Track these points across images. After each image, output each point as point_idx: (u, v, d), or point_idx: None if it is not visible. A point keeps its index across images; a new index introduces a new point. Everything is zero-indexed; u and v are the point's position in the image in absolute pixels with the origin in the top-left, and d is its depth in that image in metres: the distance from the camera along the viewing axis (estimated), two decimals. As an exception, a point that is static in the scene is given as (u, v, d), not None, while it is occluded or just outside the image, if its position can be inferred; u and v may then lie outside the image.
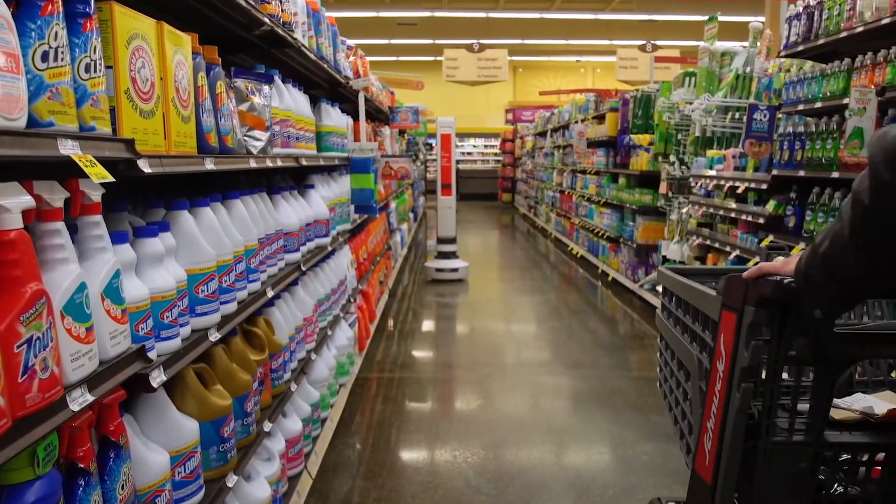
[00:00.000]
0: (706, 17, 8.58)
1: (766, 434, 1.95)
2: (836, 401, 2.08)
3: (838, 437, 1.94)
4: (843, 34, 5.18)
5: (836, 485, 1.99)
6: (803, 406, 1.95)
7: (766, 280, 1.86)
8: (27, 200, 1.61)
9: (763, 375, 1.95)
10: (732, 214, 6.87)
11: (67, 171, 1.79)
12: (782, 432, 1.95)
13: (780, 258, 1.88)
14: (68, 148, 1.73)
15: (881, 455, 1.93)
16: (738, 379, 1.95)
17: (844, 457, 1.97)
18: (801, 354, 1.86)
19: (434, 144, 20.91)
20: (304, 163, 4.30)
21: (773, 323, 1.88)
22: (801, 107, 5.79)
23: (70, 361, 1.74)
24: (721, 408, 2.04)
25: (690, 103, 8.12)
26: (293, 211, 4.19)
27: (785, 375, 1.97)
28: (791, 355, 1.88)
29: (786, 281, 1.82)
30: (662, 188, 9.07)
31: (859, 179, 1.49)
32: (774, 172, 5.98)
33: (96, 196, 1.96)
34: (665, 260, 9.03)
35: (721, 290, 2.06)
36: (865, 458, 1.96)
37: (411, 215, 16.35)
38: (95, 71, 1.90)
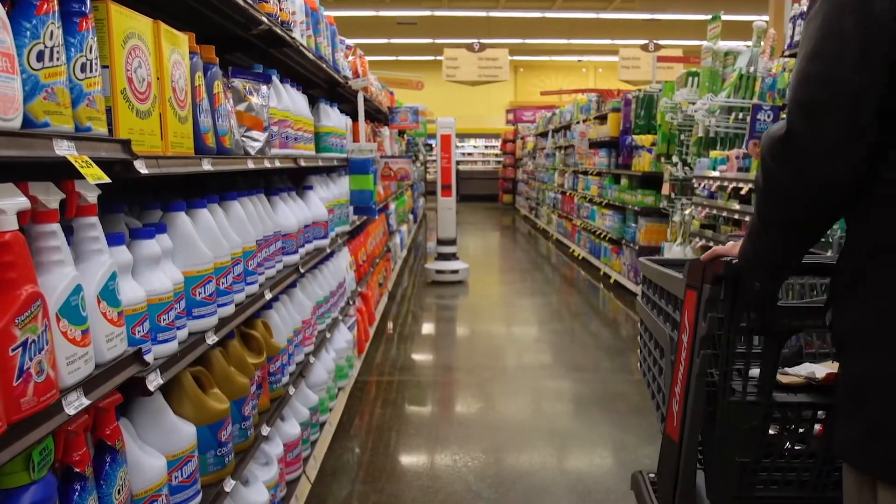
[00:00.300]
0: (709, 17, 8.58)
1: (723, 395, 2.28)
2: (786, 369, 2.43)
3: (785, 397, 2.28)
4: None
5: (786, 442, 2.34)
6: (755, 371, 2.28)
7: (719, 261, 2.18)
8: (22, 202, 1.61)
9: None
10: (736, 216, 6.86)
11: (63, 172, 1.79)
12: (737, 394, 2.27)
13: (731, 242, 2.23)
14: (64, 149, 1.73)
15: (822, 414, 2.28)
16: (698, 347, 2.30)
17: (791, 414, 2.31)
18: (750, 325, 2.20)
19: (434, 145, 20.96)
20: (302, 164, 4.30)
21: (726, 298, 2.21)
22: (805, 107, 5.78)
23: (66, 364, 1.74)
24: (685, 374, 2.41)
25: (693, 103, 8.12)
26: (291, 212, 4.19)
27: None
28: (742, 326, 2.21)
29: (733, 261, 2.14)
30: (665, 189, 9.06)
31: (758, 170, 1.78)
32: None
33: (92, 197, 1.96)
34: (668, 262, 9.00)
35: (685, 273, 2.42)
36: (809, 415, 2.29)
37: (411, 217, 16.34)
38: (91, 71, 1.90)
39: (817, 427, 2.30)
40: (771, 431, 2.35)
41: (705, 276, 2.28)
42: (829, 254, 3.30)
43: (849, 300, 1.74)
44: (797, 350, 2.75)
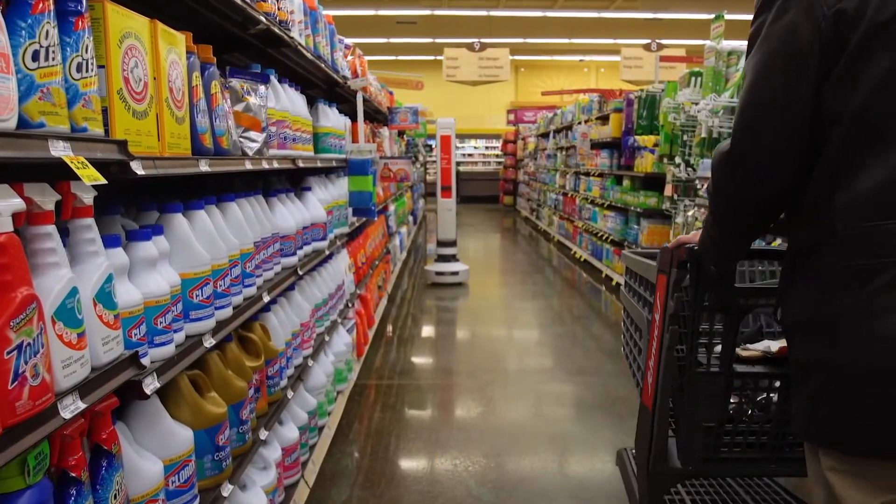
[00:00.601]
0: (712, 16, 8.58)
1: (690, 366, 2.65)
2: (746, 345, 2.84)
3: (744, 368, 2.68)
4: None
5: (747, 409, 2.75)
6: (720, 348, 2.66)
7: (683, 248, 2.56)
8: (17, 203, 1.61)
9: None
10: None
11: (59, 174, 1.79)
12: (702, 365, 2.64)
13: (695, 231, 2.59)
14: (59, 149, 1.73)
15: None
16: (667, 324, 2.67)
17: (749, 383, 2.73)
18: (711, 304, 2.61)
19: (434, 146, 20.95)
20: (300, 164, 4.31)
21: (691, 280, 2.59)
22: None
23: (61, 368, 1.74)
24: (658, 349, 2.79)
25: (696, 104, 8.12)
26: (290, 214, 4.19)
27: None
28: (705, 305, 2.61)
29: (694, 248, 2.50)
30: (668, 190, 9.05)
31: (710, 179, 2.14)
32: (782, 174, 5.97)
33: (88, 199, 1.96)
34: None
35: (657, 260, 2.78)
36: (766, 384, 2.72)
37: (411, 218, 16.35)
38: (87, 70, 1.91)
39: (774, 397, 2.65)
40: (733, 401, 2.74)
41: (672, 262, 2.66)
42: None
43: (789, 295, 2.03)
44: (757, 329, 3.13)
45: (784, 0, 1.88)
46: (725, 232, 2.23)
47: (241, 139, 3.31)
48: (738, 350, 2.75)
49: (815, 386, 1.89)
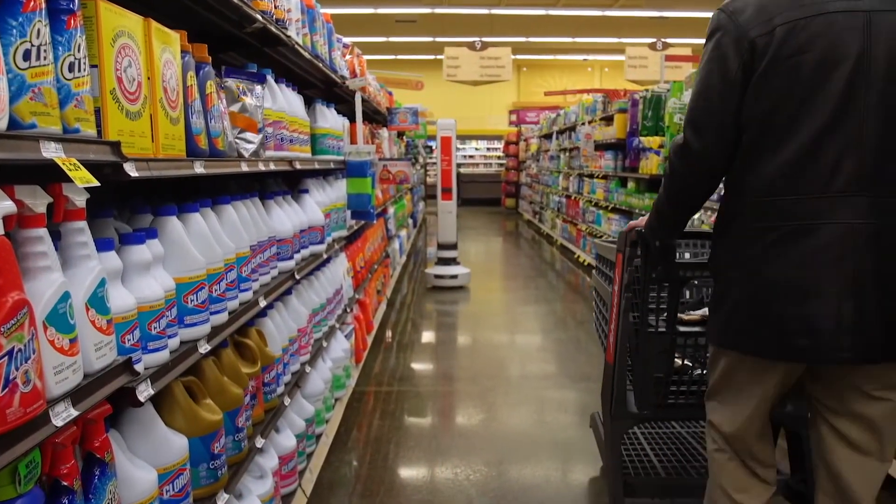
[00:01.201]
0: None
1: (642, 328, 3.52)
2: (689, 311, 3.66)
3: (684, 328, 3.51)
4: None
5: (687, 364, 3.62)
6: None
7: (635, 230, 3.49)
8: (8, 206, 1.61)
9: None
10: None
11: (50, 175, 1.79)
12: (651, 326, 3.48)
13: (641, 217, 3.42)
14: (51, 151, 1.73)
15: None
16: (623, 292, 3.63)
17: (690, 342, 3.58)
18: (658, 276, 3.43)
19: (434, 147, 20.87)
20: (298, 166, 4.31)
21: (641, 257, 3.45)
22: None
23: (53, 374, 1.75)
24: (617, 314, 3.68)
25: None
26: (287, 217, 4.19)
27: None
28: (653, 277, 3.43)
29: (641, 230, 3.38)
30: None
31: (666, 164, 3.00)
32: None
33: (81, 201, 1.96)
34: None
35: (616, 242, 3.70)
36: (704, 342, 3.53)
37: (410, 221, 16.35)
38: (80, 70, 1.91)
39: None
40: (678, 361, 3.60)
41: (626, 242, 3.59)
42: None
43: (716, 247, 2.93)
44: (699, 300, 4.02)
45: (721, 35, 2.69)
46: (671, 209, 3.11)
47: (236, 140, 3.31)
48: (681, 315, 3.57)
49: (725, 309, 2.82)
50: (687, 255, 3.99)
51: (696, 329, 3.49)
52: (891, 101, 2.51)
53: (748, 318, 2.73)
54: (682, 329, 3.50)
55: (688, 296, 4.04)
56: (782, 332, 2.63)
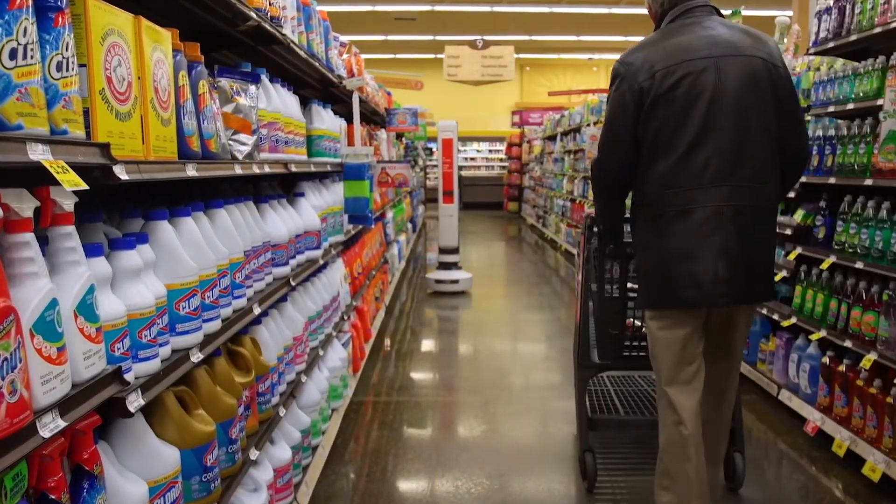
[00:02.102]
0: (729, 12, 8.59)
1: (600, 294, 4.57)
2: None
3: (631, 294, 4.50)
4: (878, 30, 5.17)
5: (637, 323, 4.65)
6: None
7: (589, 216, 4.64)
8: (-6, 210, 1.61)
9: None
10: (758, 224, 6.88)
11: (37, 178, 1.79)
12: (607, 293, 4.55)
13: None
14: (38, 153, 1.73)
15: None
16: (583, 266, 4.82)
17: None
18: (609, 253, 4.52)
19: (434, 149, 20.83)
20: (293, 169, 4.31)
21: (597, 237, 4.54)
22: (831, 108, 5.79)
23: (40, 384, 1.74)
24: (581, 285, 4.93)
25: (712, 104, 8.12)
26: (282, 221, 4.19)
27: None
28: (606, 254, 4.50)
29: (592, 216, 4.56)
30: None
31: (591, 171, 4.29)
32: (803, 179, 5.98)
33: (69, 205, 1.96)
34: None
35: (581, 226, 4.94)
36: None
37: (410, 226, 16.36)
38: (68, 70, 1.91)
39: None
40: (630, 321, 4.69)
41: (585, 226, 4.88)
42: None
43: (633, 229, 3.99)
44: None
45: (619, 81, 3.77)
46: (602, 204, 4.20)
47: (230, 142, 3.31)
48: (630, 284, 4.53)
49: (644, 278, 3.91)
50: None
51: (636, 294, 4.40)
52: (738, 121, 3.61)
53: (658, 283, 3.79)
54: (630, 294, 4.54)
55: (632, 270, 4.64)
56: (677, 287, 3.69)
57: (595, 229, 4.65)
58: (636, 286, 4.22)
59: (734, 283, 3.61)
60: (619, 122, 3.75)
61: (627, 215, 4.13)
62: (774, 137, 3.71)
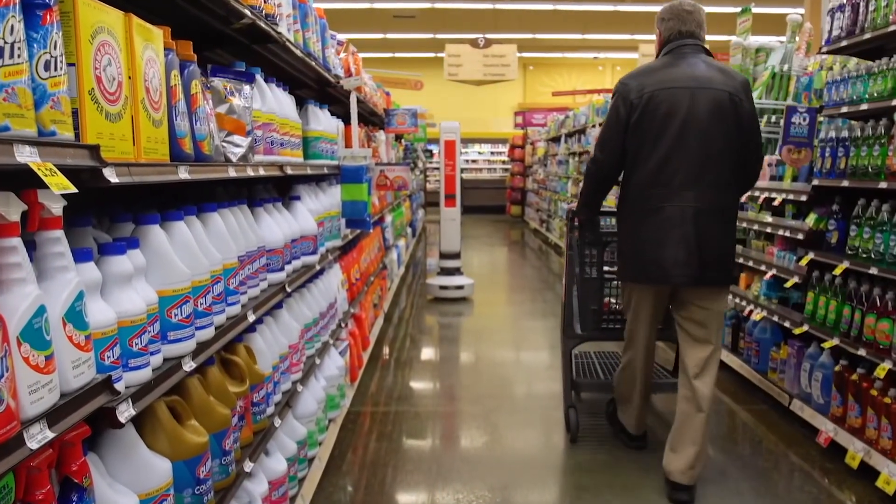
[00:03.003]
0: (739, 9, 8.60)
1: (581, 275, 5.79)
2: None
3: (608, 276, 5.68)
4: (892, 28, 5.17)
5: (613, 300, 5.85)
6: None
7: (570, 210, 5.97)
8: (-20, 213, 1.61)
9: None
10: (768, 229, 6.86)
11: (25, 181, 1.79)
12: (587, 274, 5.72)
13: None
14: (26, 155, 1.73)
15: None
16: (567, 251, 6.03)
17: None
18: (588, 241, 5.79)
19: (434, 151, 20.80)
20: (289, 171, 4.31)
21: (578, 227, 5.79)
22: (844, 109, 5.79)
23: (28, 394, 1.74)
24: (567, 267, 6.01)
25: (721, 105, 8.12)
26: (277, 225, 4.19)
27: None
28: (586, 241, 5.75)
29: (573, 208, 5.83)
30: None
31: (586, 166, 5.52)
32: (815, 182, 5.98)
33: (57, 209, 1.96)
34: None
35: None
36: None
37: (409, 230, 16.36)
38: (56, 69, 1.90)
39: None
40: (608, 300, 5.85)
41: (567, 218, 6.06)
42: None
43: (617, 220, 5.11)
44: (614, 259, 5.86)
45: (617, 97, 4.84)
46: (589, 194, 5.28)
47: (223, 144, 3.31)
48: (606, 266, 5.80)
49: (622, 258, 5.02)
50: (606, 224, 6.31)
51: (615, 275, 5.65)
52: (704, 139, 4.69)
53: (633, 262, 4.96)
54: (606, 276, 5.83)
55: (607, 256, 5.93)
56: (648, 267, 4.84)
57: (576, 222, 5.92)
58: (612, 269, 5.68)
59: (690, 266, 4.70)
60: (614, 126, 4.91)
61: (603, 210, 5.69)
62: (735, 152, 4.78)
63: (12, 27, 1.71)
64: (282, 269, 4.18)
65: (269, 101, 4.12)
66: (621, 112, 4.83)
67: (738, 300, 7.48)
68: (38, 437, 1.74)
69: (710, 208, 4.69)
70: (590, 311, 5.84)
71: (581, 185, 5.51)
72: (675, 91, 4.72)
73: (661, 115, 4.71)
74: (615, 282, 5.72)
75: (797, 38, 7.47)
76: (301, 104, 5.32)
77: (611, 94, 5.09)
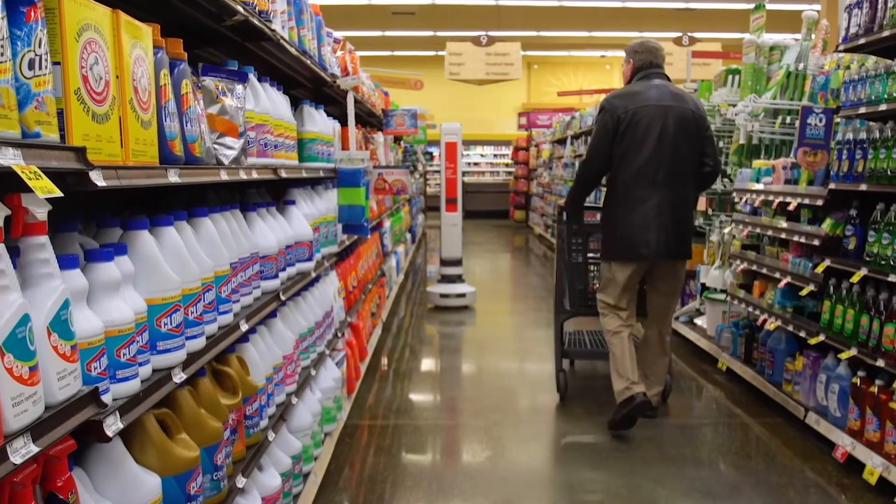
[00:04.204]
0: (752, 5, 8.61)
1: (568, 259, 7.33)
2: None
3: (591, 260, 7.33)
4: (912, 25, 5.17)
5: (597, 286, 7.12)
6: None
7: (561, 206, 7.60)
8: (-39, 218, 1.61)
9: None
10: (783, 235, 6.86)
11: (8, 185, 1.79)
12: (574, 258, 7.33)
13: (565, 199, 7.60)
14: (9, 157, 1.73)
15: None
16: (557, 240, 7.73)
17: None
18: (575, 231, 7.33)
19: (435, 154, 20.78)
20: (283, 175, 4.31)
21: (567, 219, 7.35)
22: (862, 109, 5.78)
23: (11, 406, 1.74)
24: (558, 253, 7.68)
25: (734, 105, 8.14)
26: (271, 231, 4.19)
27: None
28: (573, 230, 7.31)
29: (562, 204, 7.56)
30: (701, 204, 9.06)
31: (578, 168, 8.06)
32: (832, 186, 5.98)
33: (42, 214, 1.96)
34: (704, 288, 9.00)
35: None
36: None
37: (408, 236, 16.36)
38: (41, 68, 1.91)
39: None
40: (593, 284, 7.33)
41: (557, 212, 8.23)
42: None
43: (602, 213, 6.66)
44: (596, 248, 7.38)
45: (605, 113, 6.32)
46: (577, 192, 6.82)
47: (215, 146, 3.31)
48: (590, 253, 7.20)
49: (610, 241, 6.46)
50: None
51: (597, 260, 7.17)
52: (674, 148, 6.15)
53: (616, 244, 6.37)
54: (590, 260, 7.32)
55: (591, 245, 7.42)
56: (631, 248, 6.26)
57: (564, 216, 7.40)
58: (595, 255, 7.26)
59: (668, 245, 6.26)
60: (603, 137, 6.34)
61: (586, 205, 7.10)
62: (696, 156, 6.36)
63: (-5, 24, 1.71)
64: (276, 276, 4.18)
65: (262, 101, 4.12)
66: (609, 125, 6.27)
67: (751, 309, 7.49)
68: (21, 451, 1.74)
69: (679, 202, 6.31)
70: (577, 291, 7.36)
71: (576, 183, 6.91)
72: (651, 108, 6.22)
73: (643, 127, 6.18)
74: (596, 265, 7.22)
75: (813, 36, 7.48)
76: (296, 104, 5.33)
77: (598, 111, 6.58)
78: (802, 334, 6.40)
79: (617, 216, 6.34)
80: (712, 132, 6.61)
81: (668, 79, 6.56)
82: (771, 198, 7.02)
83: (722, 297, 8.54)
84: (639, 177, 6.20)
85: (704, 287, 9.00)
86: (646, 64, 6.52)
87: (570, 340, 7.99)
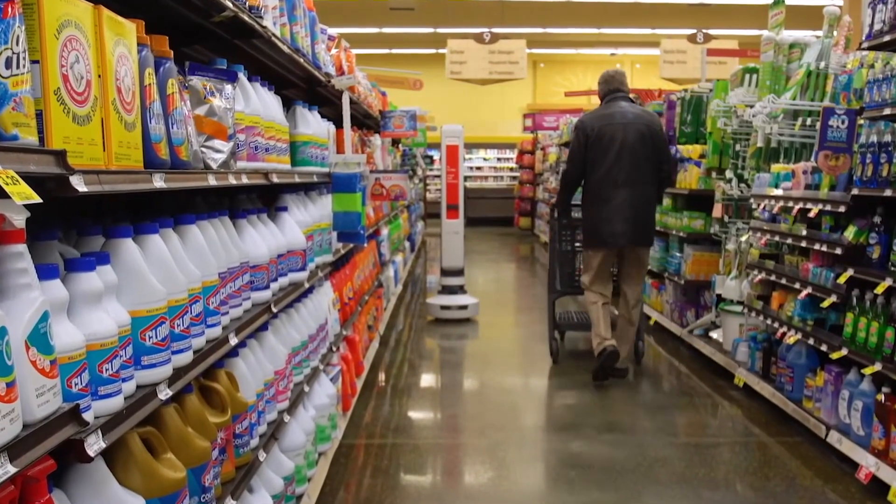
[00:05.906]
0: (770, 1, 8.62)
1: (560, 248, 9.74)
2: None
3: (578, 248, 9.62)
4: (938, 21, 5.18)
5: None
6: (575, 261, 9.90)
7: (553, 204, 10.73)
8: (-65, 226, 1.61)
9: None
10: (803, 244, 6.85)
11: (-16, 190, 1.79)
12: (563, 247, 9.76)
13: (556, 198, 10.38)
14: (-14, 161, 1.73)
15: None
16: (551, 232, 10.27)
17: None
18: (564, 224, 9.72)
19: (435, 157, 20.81)
20: (275, 179, 4.32)
21: (557, 215, 9.79)
22: (887, 111, 5.77)
23: (-14, 424, 1.74)
24: (551, 243, 10.07)
25: (751, 106, 8.14)
26: (262, 239, 4.20)
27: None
28: (564, 224, 9.70)
29: (553, 202, 10.60)
30: (716, 211, 9.06)
31: (561, 173, 11.01)
32: (855, 192, 5.97)
33: (19, 221, 1.96)
34: (720, 300, 8.99)
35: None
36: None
37: (407, 244, 16.37)
38: (18, 66, 1.90)
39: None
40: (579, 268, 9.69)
41: (550, 209, 13.25)
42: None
43: (583, 208, 8.97)
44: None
45: (578, 130, 8.61)
46: (563, 195, 9.36)
47: (203, 149, 3.31)
48: (577, 243, 9.52)
49: (587, 232, 8.79)
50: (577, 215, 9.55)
51: (580, 248, 9.20)
52: (633, 155, 8.27)
53: (591, 235, 8.59)
54: (576, 249, 9.35)
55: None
56: (600, 237, 8.43)
57: (555, 212, 9.63)
58: (580, 243, 9.24)
59: (634, 235, 8.31)
60: (576, 149, 8.49)
61: (575, 203, 9.18)
62: (653, 162, 8.38)
63: (-29, 21, 1.71)
64: (267, 287, 4.18)
65: (252, 101, 4.13)
66: (581, 139, 8.44)
67: (769, 321, 7.48)
68: (-3, 472, 1.74)
69: (639, 199, 8.32)
70: (566, 274, 9.58)
71: (559, 187, 9.50)
72: (613, 126, 8.32)
73: (606, 141, 8.27)
74: (581, 252, 9.31)
75: (835, 33, 7.48)
76: (288, 105, 5.33)
77: (573, 129, 8.80)
78: (824, 348, 6.38)
79: (590, 212, 8.60)
80: (667, 144, 9.08)
81: (632, 100, 8.93)
82: (790, 204, 7.01)
83: (738, 308, 8.51)
84: (605, 180, 8.32)
85: (720, 298, 8.97)
86: (610, 90, 8.72)
87: (563, 317, 10.31)
